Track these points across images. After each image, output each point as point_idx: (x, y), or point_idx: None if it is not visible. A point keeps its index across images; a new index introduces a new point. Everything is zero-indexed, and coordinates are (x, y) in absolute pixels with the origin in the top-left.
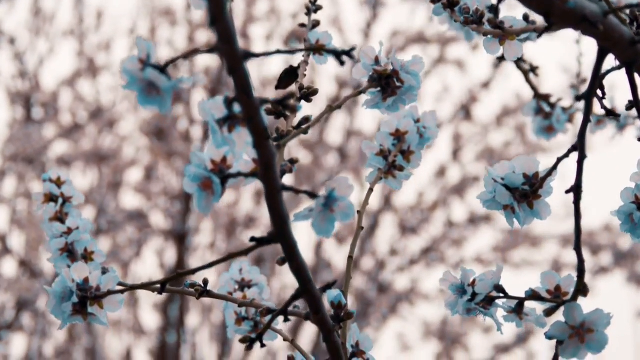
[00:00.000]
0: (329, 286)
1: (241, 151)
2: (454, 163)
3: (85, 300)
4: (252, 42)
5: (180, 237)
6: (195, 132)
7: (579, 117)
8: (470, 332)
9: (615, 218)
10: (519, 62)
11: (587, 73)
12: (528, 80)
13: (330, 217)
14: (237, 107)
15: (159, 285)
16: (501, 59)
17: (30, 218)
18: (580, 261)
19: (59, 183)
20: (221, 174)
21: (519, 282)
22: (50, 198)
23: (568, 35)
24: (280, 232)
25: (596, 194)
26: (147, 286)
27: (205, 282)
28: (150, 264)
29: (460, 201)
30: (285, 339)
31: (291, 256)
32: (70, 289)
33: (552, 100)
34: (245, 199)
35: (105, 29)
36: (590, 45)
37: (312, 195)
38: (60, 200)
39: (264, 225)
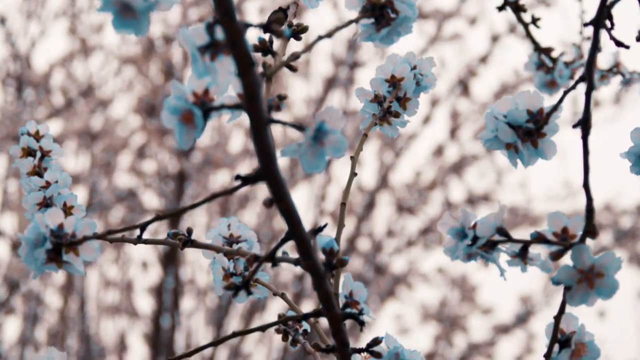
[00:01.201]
0: (319, 229)
1: (224, 82)
2: (451, 142)
3: (59, 247)
4: None
5: (174, 218)
6: None
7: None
8: (470, 314)
9: (614, 198)
10: (519, 11)
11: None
12: (529, 33)
13: (320, 151)
14: (219, 34)
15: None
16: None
17: (22, 199)
18: (589, 199)
19: (37, 137)
20: (203, 107)
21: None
22: (29, 152)
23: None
24: (267, 170)
25: (596, 173)
26: (127, 229)
27: (189, 230)
28: (144, 246)
29: (459, 180)
30: (275, 293)
31: (279, 195)
32: (44, 235)
33: (554, 54)
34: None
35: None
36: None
37: (301, 128)
38: (39, 154)
39: (259, 204)
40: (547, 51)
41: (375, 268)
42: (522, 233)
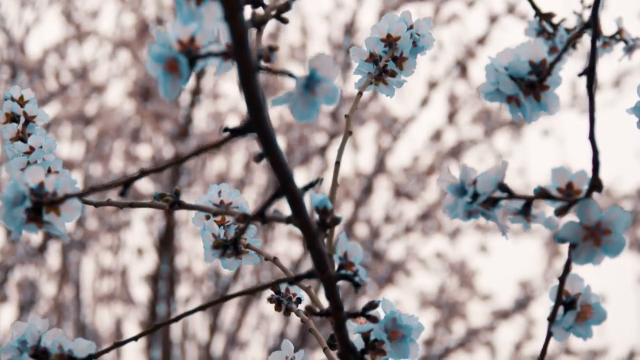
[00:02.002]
0: (311, 185)
1: (210, 28)
2: (449, 126)
3: (39, 206)
4: None
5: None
6: (184, 95)
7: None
8: (469, 300)
9: (613, 184)
10: None
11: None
12: None
13: (312, 100)
14: None
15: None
16: None
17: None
18: (595, 152)
19: (21, 102)
20: (189, 55)
21: (518, 250)
22: (12, 118)
23: None
24: (256, 121)
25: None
26: (110, 187)
27: (177, 192)
28: (139, 232)
29: (457, 165)
30: (267, 258)
31: (269, 148)
32: (23, 194)
33: (555, 20)
34: (236, 163)
35: None
36: None
37: (292, 76)
38: (23, 120)
39: (256, 185)
40: (548, 17)
41: (373, 254)
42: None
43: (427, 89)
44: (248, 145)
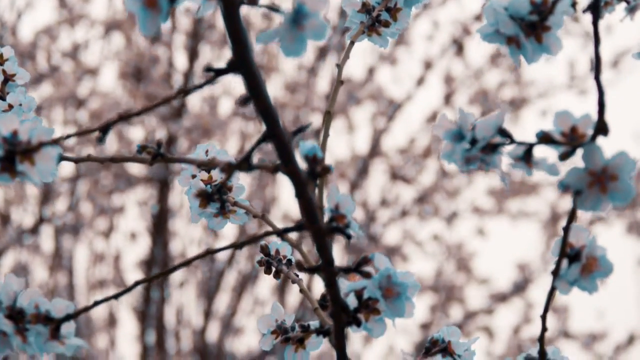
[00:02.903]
0: (300, 130)
1: None
2: (446, 107)
3: (13, 156)
4: None
5: (162, 186)
6: (177, 76)
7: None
8: (466, 284)
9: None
10: None
11: None
12: None
13: (299, 35)
14: None
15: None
16: None
17: None
18: (601, 93)
19: (0, 60)
20: None
21: (516, 233)
22: None
23: None
24: (241, 59)
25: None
26: (87, 132)
27: (159, 143)
28: (133, 217)
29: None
30: (254, 215)
31: (254, 90)
32: None
33: None
34: (230, 143)
35: None
36: None
37: (278, 10)
38: (2, 78)
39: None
40: None
41: (369, 238)
42: (519, 204)
43: (423, 68)
44: (242, 127)
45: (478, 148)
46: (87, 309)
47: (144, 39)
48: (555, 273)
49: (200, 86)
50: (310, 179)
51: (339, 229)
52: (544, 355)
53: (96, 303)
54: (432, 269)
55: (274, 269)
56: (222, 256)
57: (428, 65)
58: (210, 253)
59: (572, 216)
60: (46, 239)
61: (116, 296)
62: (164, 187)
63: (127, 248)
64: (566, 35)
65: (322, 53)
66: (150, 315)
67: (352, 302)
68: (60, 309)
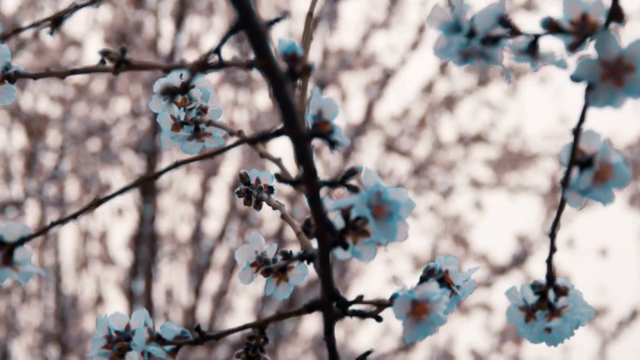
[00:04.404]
0: (277, 20)
1: None
2: (441, 77)
3: None
4: None
5: (149, 157)
6: (163, 43)
7: None
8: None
9: (613, 135)
10: None
11: None
12: None
13: None
14: None
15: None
16: None
17: None
18: None
19: None
20: None
21: (514, 206)
22: None
23: None
24: None
25: (593, 112)
26: (38, 24)
27: (123, 49)
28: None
29: (450, 118)
30: (232, 133)
31: None
32: None
33: None
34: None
35: None
36: None
37: None
38: None
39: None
40: None
41: None
42: (517, 177)
43: (416, 33)
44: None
45: (477, 41)
46: (46, 229)
47: (129, 5)
48: (565, 183)
49: None
50: (289, 79)
51: (322, 134)
52: (552, 279)
53: (52, 224)
54: (429, 245)
55: (254, 199)
56: (212, 233)
57: (421, 30)
58: (182, 163)
59: (583, 115)
60: (31, 216)
61: (76, 215)
62: (151, 159)
63: (114, 225)
64: None
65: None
66: (138, 294)
67: (338, 223)
68: (13, 232)
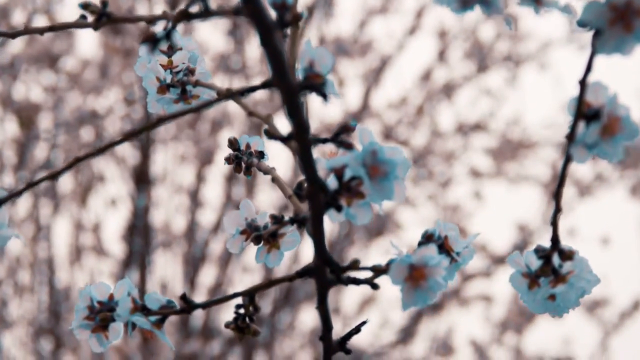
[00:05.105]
0: None
1: None
2: (439, 64)
3: None
4: None
5: (143, 145)
6: (157, 29)
7: None
8: None
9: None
10: None
11: None
12: None
13: None
14: None
15: None
16: None
17: None
18: None
19: None
20: None
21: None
22: None
23: None
24: None
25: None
26: None
27: (104, 2)
28: (113, 179)
29: (449, 106)
30: (219, 93)
31: None
32: None
33: None
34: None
35: None
36: None
37: None
38: None
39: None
40: None
41: None
42: (517, 166)
43: (414, 18)
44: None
45: None
46: (21, 191)
47: None
48: (571, 137)
49: None
50: (278, 27)
51: (313, 86)
52: (557, 242)
53: (29, 184)
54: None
55: (244, 165)
56: (207, 225)
57: (419, 13)
58: (164, 120)
59: (590, 64)
60: (23, 207)
61: (57, 174)
62: (145, 148)
63: (107, 216)
64: None
65: (309, 11)
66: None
67: (332, 184)
68: None
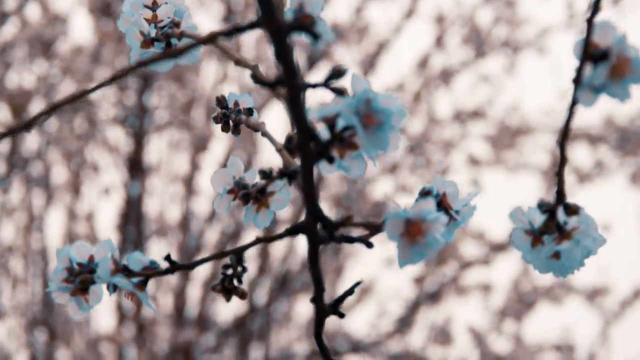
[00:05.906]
0: None
1: None
2: (437, 50)
3: None
4: None
5: (136, 132)
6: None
7: None
8: (460, 239)
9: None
10: None
11: None
12: None
13: None
14: None
15: None
16: None
17: None
18: None
19: None
20: None
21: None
22: None
23: None
24: None
25: None
26: None
27: None
28: (106, 167)
29: (446, 92)
30: (205, 42)
31: None
32: None
33: None
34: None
35: None
36: None
37: None
38: None
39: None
40: None
41: (357, 192)
42: (515, 154)
43: (411, 1)
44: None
45: None
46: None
47: None
48: (577, 80)
49: None
50: None
51: (303, 26)
52: (562, 195)
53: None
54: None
55: (232, 124)
56: (202, 214)
57: None
58: (140, 65)
59: (596, 6)
60: (15, 195)
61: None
62: (138, 134)
63: (101, 204)
64: None
65: None
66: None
67: (323, 135)
68: None
